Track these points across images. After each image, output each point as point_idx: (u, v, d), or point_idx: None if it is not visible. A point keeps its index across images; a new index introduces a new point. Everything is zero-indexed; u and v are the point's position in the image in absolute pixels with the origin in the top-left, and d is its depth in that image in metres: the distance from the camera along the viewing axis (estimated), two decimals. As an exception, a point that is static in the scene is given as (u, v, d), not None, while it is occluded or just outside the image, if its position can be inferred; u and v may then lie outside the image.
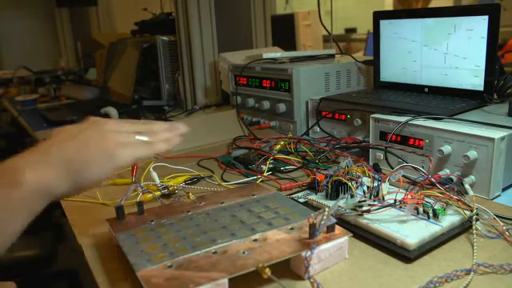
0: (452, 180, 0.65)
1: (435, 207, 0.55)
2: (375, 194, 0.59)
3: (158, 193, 0.70)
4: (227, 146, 0.99)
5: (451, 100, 0.85)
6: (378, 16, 0.99)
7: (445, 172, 0.68)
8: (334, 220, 0.48)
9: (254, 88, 1.15)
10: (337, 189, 0.62)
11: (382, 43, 0.99)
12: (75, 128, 0.48)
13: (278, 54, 1.17)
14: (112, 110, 1.21)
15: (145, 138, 0.49)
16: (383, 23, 0.98)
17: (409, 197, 0.56)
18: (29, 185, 0.41)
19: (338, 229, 0.50)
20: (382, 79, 1.02)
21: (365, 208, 0.56)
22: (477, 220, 0.54)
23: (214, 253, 0.46)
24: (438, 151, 0.68)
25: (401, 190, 0.59)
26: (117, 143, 0.46)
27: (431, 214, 0.55)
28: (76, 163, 0.44)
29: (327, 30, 1.36)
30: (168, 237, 0.50)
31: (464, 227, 0.55)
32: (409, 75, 0.96)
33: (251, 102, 1.15)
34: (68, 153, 0.44)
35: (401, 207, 0.56)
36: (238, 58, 1.29)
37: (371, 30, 1.02)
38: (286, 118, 1.06)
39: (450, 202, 0.57)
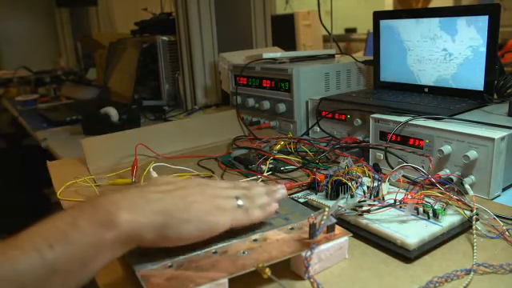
0: (452, 180, 0.65)
1: (435, 207, 0.55)
2: (375, 194, 0.59)
3: (158, 193, 0.70)
4: (227, 146, 0.99)
5: (451, 100, 0.85)
6: (378, 16, 0.99)
7: (445, 172, 0.68)
8: (334, 220, 0.48)
9: (254, 88, 1.15)
10: (337, 189, 0.62)
11: (382, 43, 0.99)
12: (180, 184, 0.49)
13: (277, 54, 1.17)
14: (112, 110, 1.21)
15: (242, 203, 0.49)
16: (383, 23, 0.98)
17: (409, 197, 0.56)
18: (122, 229, 0.40)
19: (338, 229, 0.50)
20: (382, 79, 1.02)
21: (365, 208, 0.56)
22: (477, 220, 0.54)
23: (214, 253, 0.46)
24: (438, 151, 0.68)
25: (401, 190, 0.59)
26: (216, 208, 0.47)
27: (431, 214, 0.55)
28: (173, 219, 0.43)
29: (327, 30, 1.36)
30: (168, 237, 0.50)
31: (464, 227, 0.55)
32: (409, 75, 0.96)
33: (251, 101, 1.15)
34: (168, 208, 0.44)
35: (401, 207, 0.56)
36: (238, 58, 1.29)
37: (371, 30, 1.02)
38: (285, 118, 1.06)
39: (449, 202, 0.57)
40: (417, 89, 0.95)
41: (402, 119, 0.74)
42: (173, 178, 0.51)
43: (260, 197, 0.51)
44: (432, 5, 3.17)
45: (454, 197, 0.57)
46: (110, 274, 0.49)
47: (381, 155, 0.77)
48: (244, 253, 0.45)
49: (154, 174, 0.74)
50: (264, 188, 0.53)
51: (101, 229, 0.40)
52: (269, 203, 0.51)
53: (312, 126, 1.01)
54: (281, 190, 0.53)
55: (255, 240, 0.48)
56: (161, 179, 0.51)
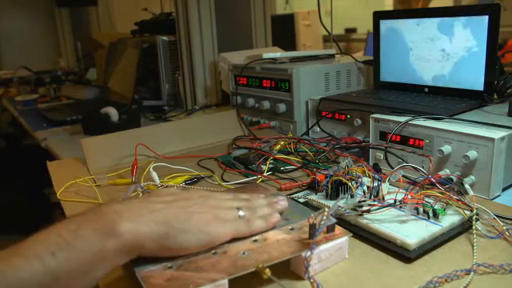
0: (452, 180, 0.65)
1: (435, 207, 0.55)
2: (375, 194, 0.59)
3: (158, 193, 0.70)
4: (227, 146, 0.99)
5: (451, 100, 0.85)
6: (378, 16, 0.99)
7: (445, 172, 0.68)
8: (334, 220, 0.48)
9: (254, 88, 1.15)
10: (337, 189, 0.62)
11: (382, 43, 0.99)
12: (182, 195, 0.50)
13: (277, 54, 1.17)
14: (112, 110, 1.21)
15: (243, 214, 0.49)
16: (383, 23, 0.98)
17: (409, 197, 0.56)
18: (124, 238, 0.41)
19: (338, 229, 0.50)
20: (381, 79, 1.02)
21: (365, 208, 0.56)
22: (477, 220, 0.54)
23: (214, 253, 0.46)
24: (438, 151, 0.68)
25: (401, 190, 0.59)
26: (217, 219, 0.47)
27: (431, 214, 0.55)
28: (174, 230, 0.44)
29: (327, 30, 1.36)
30: (168, 237, 0.50)
31: (464, 227, 0.55)
32: (409, 75, 0.96)
33: (251, 101, 1.15)
34: (170, 218, 0.45)
35: (401, 207, 0.56)
36: (238, 58, 1.29)
37: (371, 30, 1.02)
38: (285, 118, 1.06)
39: (450, 202, 0.57)
40: (417, 89, 0.95)
41: (402, 119, 0.74)
42: (175, 190, 0.52)
43: (261, 208, 0.51)
44: (432, 5, 3.17)
45: (454, 197, 0.57)
46: (110, 274, 0.49)
47: (381, 155, 0.77)
48: (244, 253, 0.45)
49: (154, 174, 0.74)
50: (265, 199, 0.53)
51: (103, 237, 0.40)
52: (270, 214, 0.50)
53: (312, 126, 1.01)
54: (281, 202, 0.53)
55: (255, 240, 0.48)
56: (164, 190, 0.52)
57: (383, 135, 0.78)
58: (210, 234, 0.45)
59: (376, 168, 0.71)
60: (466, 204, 0.57)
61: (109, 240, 0.40)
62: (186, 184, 0.75)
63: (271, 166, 0.80)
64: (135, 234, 0.42)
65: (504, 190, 0.67)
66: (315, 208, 0.61)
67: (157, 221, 0.44)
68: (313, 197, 0.64)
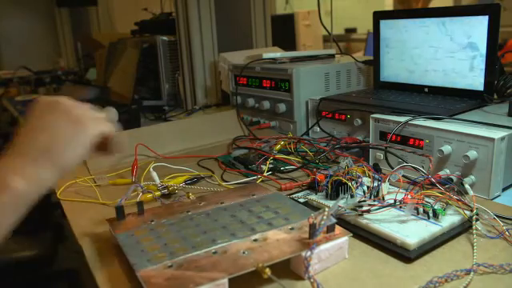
0: (452, 180, 0.65)
1: (435, 207, 0.55)
2: (375, 194, 0.59)
3: (158, 193, 0.70)
4: (227, 146, 0.99)
5: (451, 100, 0.85)
6: (378, 16, 0.99)
7: (445, 172, 0.68)
8: (334, 220, 0.48)
9: (254, 88, 1.15)
10: (337, 189, 0.62)
11: (382, 43, 0.99)
12: (40, 116, 0.48)
13: (277, 54, 1.17)
14: (112, 110, 1.20)
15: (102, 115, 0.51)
16: (383, 23, 0.98)
17: (409, 197, 0.56)
18: (16, 188, 0.42)
19: (338, 229, 0.50)
20: (382, 79, 1.02)
21: (365, 208, 0.56)
22: (477, 220, 0.54)
23: (214, 253, 0.46)
24: (438, 151, 0.68)
25: (401, 190, 0.59)
26: (87, 119, 0.48)
27: (431, 214, 0.55)
28: (55, 154, 0.45)
29: (327, 30, 1.36)
30: (168, 237, 0.50)
31: (464, 227, 0.55)
32: (409, 75, 0.96)
33: (251, 101, 1.15)
34: (44, 146, 0.45)
35: (401, 207, 0.56)
36: (238, 58, 1.29)
37: (371, 30, 1.02)
38: (285, 118, 1.06)
39: (449, 202, 0.57)
40: (417, 89, 0.95)
41: (402, 119, 0.74)
42: (32, 115, 0.49)
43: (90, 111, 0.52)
44: (432, 5, 3.17)
45: (454, 197, 0.57)
46: (110, 274, 0.49)
47: (381, 155, 0.77)
48: (244, 253, 0.45)
49: (154, 174, 0.74)
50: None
51: None
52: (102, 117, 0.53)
53: (312, 126, 1.01)
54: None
55: (255, 240, 0.48)
56: (26, 120, 0.48)
57: (383, 135, 0.78)
58: (87, 136, 0.47)
59: (376, 168, 0.71)
60: (466, 204, 0.57)
61: (1, 196, 0.41)
62: (186, 184, 0.75)
63: (271, 166, 0.80)
64: (26, 180, 0.42)
65: (504, 189, 0.67)
66: (315, 208, 0.61)
67: (35, 158, 0.44)
68: (313, 197, 0.64)
